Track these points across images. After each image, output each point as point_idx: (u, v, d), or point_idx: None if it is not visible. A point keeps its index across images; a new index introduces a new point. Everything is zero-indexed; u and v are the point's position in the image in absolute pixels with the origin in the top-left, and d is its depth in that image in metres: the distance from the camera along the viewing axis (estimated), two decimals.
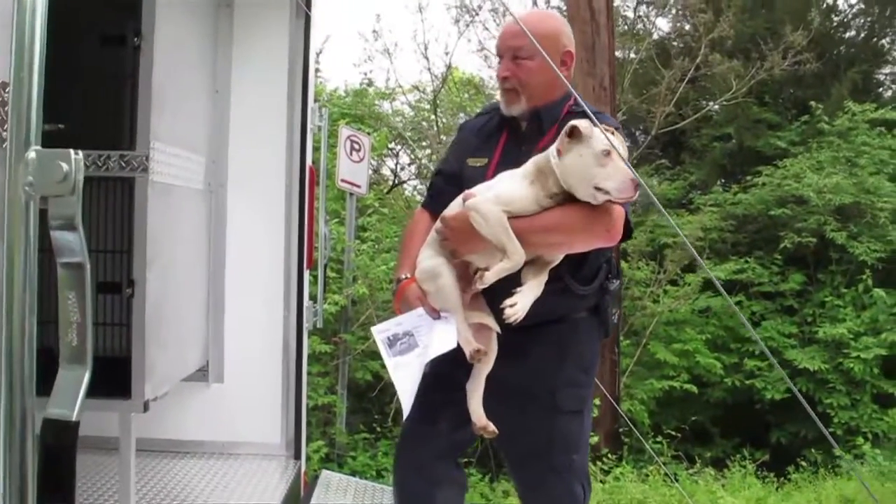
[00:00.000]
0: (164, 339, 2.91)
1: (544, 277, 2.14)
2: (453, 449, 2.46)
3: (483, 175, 2.30)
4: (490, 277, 2.06)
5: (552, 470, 2.34)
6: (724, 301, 9.04)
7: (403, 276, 2.31)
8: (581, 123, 2.06)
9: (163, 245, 2.86)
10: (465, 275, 2.21)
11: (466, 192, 2.21)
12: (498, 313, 2.17)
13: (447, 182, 2.44)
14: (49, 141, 1.14)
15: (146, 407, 2.74)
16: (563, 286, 2.24)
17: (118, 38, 2.77)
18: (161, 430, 3.59)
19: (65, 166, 1.05)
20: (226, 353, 3.67)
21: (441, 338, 2.14)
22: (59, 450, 0.99)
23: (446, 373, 2.18)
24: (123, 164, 2.70)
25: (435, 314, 2.20)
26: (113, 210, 2.85)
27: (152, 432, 3.48)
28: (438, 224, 2.26)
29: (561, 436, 2.34)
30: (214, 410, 3.72)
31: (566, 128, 2.08)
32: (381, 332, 2.24)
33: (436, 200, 2.44)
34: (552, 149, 2.12)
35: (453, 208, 2.24)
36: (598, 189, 2.05)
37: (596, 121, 2.09)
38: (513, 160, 2.26)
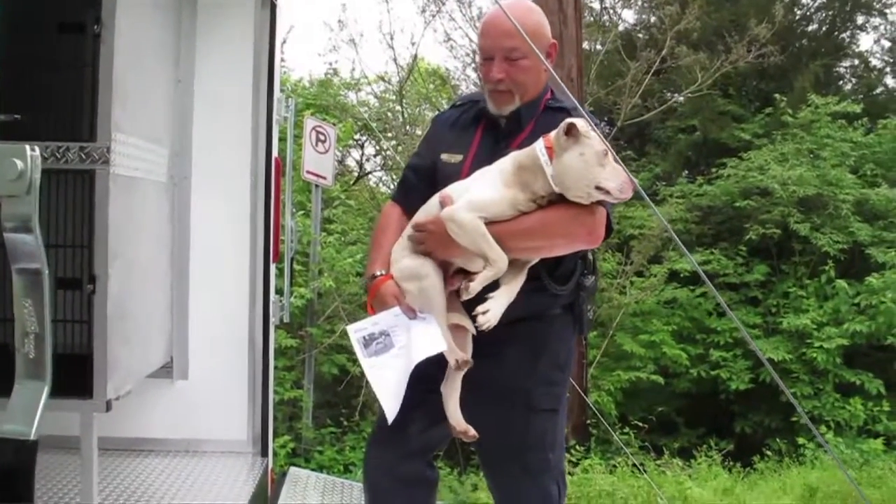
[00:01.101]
0: (126, 336, 2.83)
1: (522, 279, 2.11)
2: (426, 448, 2.41)
3: (458, 172, 2.25)
4: (475, 287, 2.02)
5: (527, 470, 2.30)
6: (690, 293, 9.14)
7: (378, 273, 2.25)
8: (578, 122, 2.02)
9: (125, 239, 2.77)
10: (444, 274, 2.16)
11: (442, 193, 2.16)
12: (472, 311, 2.13)
13: (419, 177, 2.38)
14: (5, 131, 1.06)
15: (109, 406, 2.66)
16: (539, 285, 2.20)
17: (77, 26, 2.67)
18: (124, 428, 3.51)
19: (19, 164, 0.96)
20: (190, 349, 3.59)
21: (424, 340, 2.09)
22: (15, 470, 0.91)
23: (420, 371, 2.12)
24: (83, 156, 2.60)
25: (412, 314, 2.15)
26: (73, 203, 2.75)
27: (115, 431, 3.40)
28: (409, 230, 2.21)
29: (536, 435, 2.30)
30: (179, 408, 3.65)
31: (563, 126, 2.03)
32: (356, 332, 2.17)
33: (407, 195, 2.39)
34: (539, 147, 2.06)
35: (430, 212, 2.18)
36: (598, 189, 2.02)
37: (589, 119, 2.07)
38: (489, 157, 2.21)
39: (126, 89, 2.71)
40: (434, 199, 2.18)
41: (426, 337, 2.09)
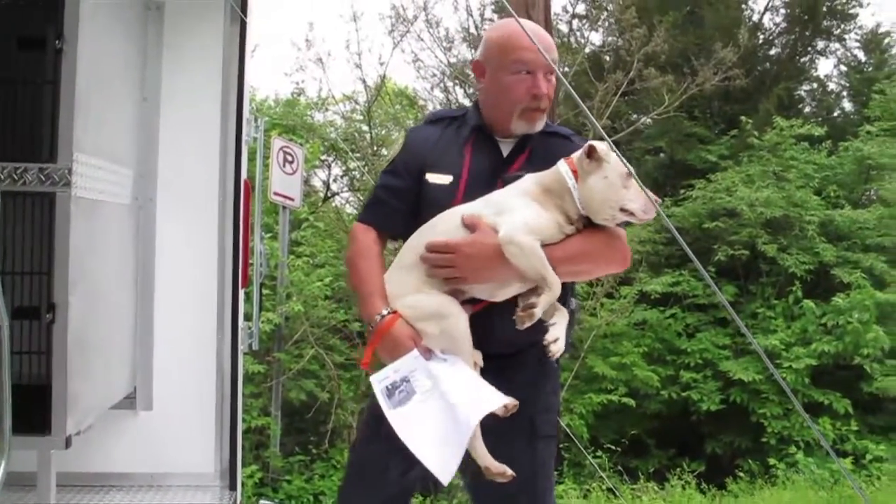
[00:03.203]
0: (88, 368, 2.69)
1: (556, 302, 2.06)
2: (405, 492, 2.27)
3: (451, 193, 2.13)
4: (538, 313, 1.97)
5: (535, 499, 2.19)
6: (660, 314, 9.16)
7: (386, 312, 2.06)
8: (599, 145, 2.02)
9: (86, 266, 2.64)
10: None
11: (469, 216, 2.05)
12: (479, 339, 2.04)
13: (399, 199, 2.21)
14: None
15: (68, 443, 2.52)
16: None
17: (38, 41, 2.55)
18: (84, 462, 3.34)
19: None
20: (155, 378, 3.45)
21: (468, 393, 1.93)
22: None
23: None
24: (43, 177, 2.47)
25: (428, 355, 2.01)
26: (31, 228, 2.62)
27: (74, 465, 3.23)
28: (412, 256, 2.08)
29: (542, 462, 2.21)
30: (143, 440, 3.49)
31: (585, 148, 2.02)
32: (379, 382, 2.00)
33: (384, 218, 2.23)
34: (565, 171, 2.03)
35: (450, 233, 2.05)
36: (623, 210, 2.02)
37: (609, 141, 2.05)
38: (489, 178, 2.12)
39: (89, 107, 2.59)
40: (442, 223, 2.07)
41: (469, 389, 1.94)
